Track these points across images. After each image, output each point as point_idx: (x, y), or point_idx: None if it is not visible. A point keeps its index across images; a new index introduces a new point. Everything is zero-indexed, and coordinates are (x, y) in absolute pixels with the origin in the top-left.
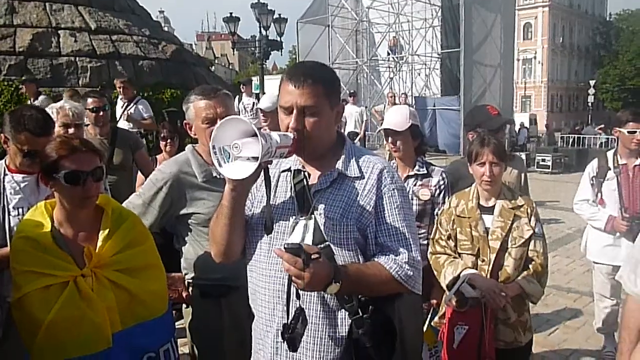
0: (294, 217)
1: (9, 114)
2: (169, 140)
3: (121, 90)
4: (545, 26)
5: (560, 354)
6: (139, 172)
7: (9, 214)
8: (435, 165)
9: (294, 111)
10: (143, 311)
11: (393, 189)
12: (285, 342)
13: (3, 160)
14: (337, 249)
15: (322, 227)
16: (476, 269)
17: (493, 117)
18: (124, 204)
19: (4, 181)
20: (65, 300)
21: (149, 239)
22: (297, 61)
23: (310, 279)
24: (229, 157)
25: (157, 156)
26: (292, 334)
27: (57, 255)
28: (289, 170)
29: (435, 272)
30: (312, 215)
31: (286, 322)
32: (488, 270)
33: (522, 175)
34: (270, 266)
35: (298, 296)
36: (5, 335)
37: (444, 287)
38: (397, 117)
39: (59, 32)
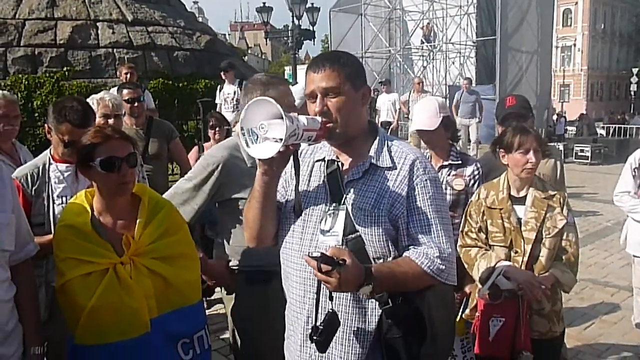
0: (326, 206)
1: (52, 105)
2: (217, 129)
3: (128, 76)
4: (586, 12)
5: (595, 349)
6: None
7: (53, 203)
8: (469, 156)
9: (318, 95)
10: (178, 298)
11: (425, 180)
12: (313, 344)
13: (48, 150)
14: (368, 240)
15: (353, 218)
16: (509, 261)
17: (506, 108)
18: (171, 190)
19: (49, 170)
20: (105, 287)
21: (183, 228)
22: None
23: (339, 284)
24: (257, 139)
25: (205, 144)
26: (321, 337)
27: (97, 243)
28: (323, 160)
29: (466, 265)
30: (344, 205)
31: (314, 324)
32: (523, 262)
33: (558, 166)
34: (301, 253)
35: (331, 297)
36: (50, 316)
37: (477, 280)
38: (426, 116)
39: (97, 24)
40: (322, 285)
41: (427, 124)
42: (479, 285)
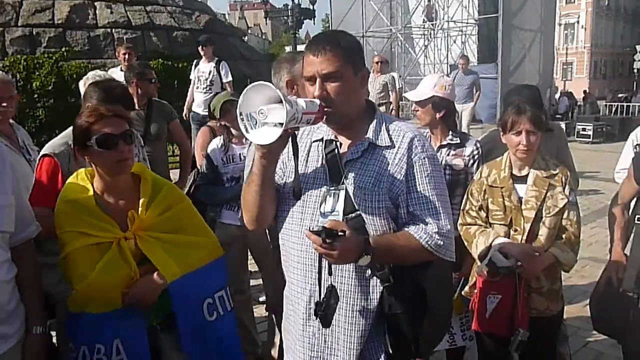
0: (325, 186)
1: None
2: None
3: (126, 57)
4: None
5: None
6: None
7: None
8: (469, 135)
9: (317, 80)
10: (194, 260)
11: (424, 158)
12: (317, 319)
13: None
14: (369, 218)
15: (353, 197)
16: (509, 239)
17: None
18: None
19: None
20: (108, 260)
21: (185, 200)
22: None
23: (339, 255)
24: (256, 124)
25: (210, 123)
26: (324, 311)
27: (101, 218)
28: (321, 140)
29: (466, 243)
30: (343, 185)
31: (319, 299)
32: (522, 240)
33: (562, 143)
34: (301, 234)
35: (330, 272)
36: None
37: (476, 257)
38: (420, 86)
39: (95, 4)
40: (323, 262)
41: (414, 95)
42: (478, 262)
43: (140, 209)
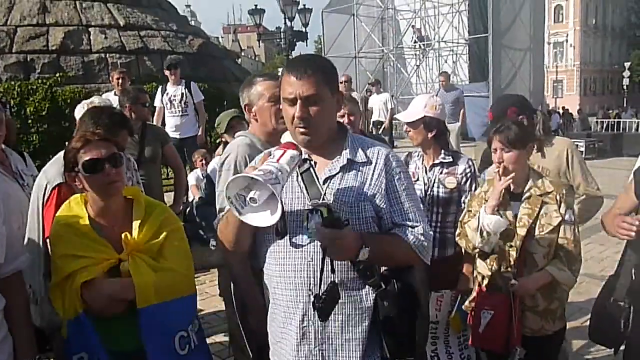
0: (306, 204)
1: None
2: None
3: (120, 81)
4: (577, 7)
5: (593, 343)
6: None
7: None
8: (461, 153)
9: (298, 101)
10: (174, 290)
11: (400, 172)
12: (316, 312)
13: None
14: (356, 229)
15: (339, 212)
16: (504, 254)
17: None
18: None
19: None
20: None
21: (177, 222)
22: (312, 53)
23: (344, 243)
24: (245, 201)
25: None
26: (324, 304)
27: (96, 241)
28: None
29: (464, 243)
30: (325, 201)
31: (318, 292)
32: (515, 257)
33: (567, 157)
34: (290, 254)
35: (333, 270)
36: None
37: (473, 240)
38: (411, 107)
39: (90, 29)
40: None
41: (405, 115)
42: (477, 239)
43: (134, 231)
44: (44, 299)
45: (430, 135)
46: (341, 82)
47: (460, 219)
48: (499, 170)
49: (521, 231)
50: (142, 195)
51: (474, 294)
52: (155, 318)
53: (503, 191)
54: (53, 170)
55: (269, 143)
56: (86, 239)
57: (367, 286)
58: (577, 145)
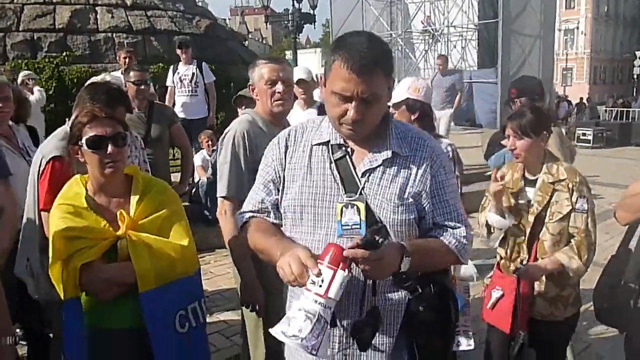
0: (340, 196)
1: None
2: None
3: (127, 60)
4: None
5: (594, 330)
6: None
7: None
8: (444, 137)
9: (354, 102)
10: (174, 270)
11: (444, 166)
12: (355, 342)
13: None
14: (396, 231)
15: (377, 209)
16: (516, 239)
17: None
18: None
19: None
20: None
21: (177, 201)
22: (345, 35)
23: (384, 263)
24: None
25: None
26: (364, 333)
27: (92, 220)
28: (325, 144)
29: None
30: (362, 196)
31: (359, 318)
32: (524, 242)
33: (556, 141)
34: (317, 245)
35: (374, 293)
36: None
37: (481, 233)
38: (396, 89)
39: (96, 8)
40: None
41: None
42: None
43: (132, 207)
44: (40, 272)
45: (413, 117)
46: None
47: (481, 203)
48: (515, 156)
49: (530, 218)
50: (140, 173)
51: (491, 272)
52: (156, 300)
53: (503, 192)
54: (49, 146)
55: (270, 122)
56: (84, 218)
57: (400, 291)
58: (584, 133)
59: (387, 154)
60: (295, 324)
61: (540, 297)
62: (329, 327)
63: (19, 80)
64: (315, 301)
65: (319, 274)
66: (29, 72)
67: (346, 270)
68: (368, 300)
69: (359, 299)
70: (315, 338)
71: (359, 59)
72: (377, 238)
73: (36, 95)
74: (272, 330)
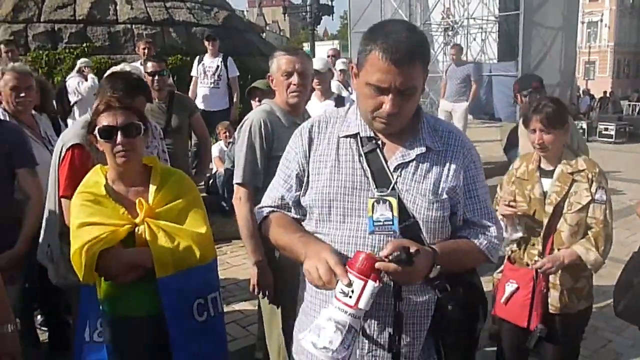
0: (370, 192)
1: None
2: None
3: (146, 51)
4: None
5: (614, 326)
6: None
7: None
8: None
9: (390, 94)
10: (192, 257)
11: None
12: (390, 354)
13: None
14: (430, 227)
15: (411, 205)
16: (532, 231)
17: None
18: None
19: None
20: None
21: (194, 191)
22: (382, 24)
23: (415, 272)
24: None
25: None
26: (398, 347)
27: (111, 207)
28: (353, 136)
29: None
30: (394, 191)
31: (391, 332)
32: (541, 234)
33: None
34: (350, 247)
35: (400, 298)
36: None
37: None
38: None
39: (116, 0)
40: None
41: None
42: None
43: (150, 196)
44: (60, 258)
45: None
46: (329, 57)
47: (496, 196)
48: (536, 148)
49: (548, 209)
50: (158, 163)
51: (501, 266)
52: (174, 286)
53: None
54: (70, 133)
55: (288, 112)
56: (103, 206)
57: (427, 293)
58: (607, 127)
59: (421, 149)
60: (325, 335)
61: (554, 289)
62: (359, 336)
63: (77, 68)
64: (345, 312)
65: (349, 284)
66: (86, 59)
67: (377, 281)
68: (394, 303)
69: (386, 301)
70: (346, 349)
71: (398, 49)
72: (410, 253)
73: (89, 82)
74: (302, 341)
